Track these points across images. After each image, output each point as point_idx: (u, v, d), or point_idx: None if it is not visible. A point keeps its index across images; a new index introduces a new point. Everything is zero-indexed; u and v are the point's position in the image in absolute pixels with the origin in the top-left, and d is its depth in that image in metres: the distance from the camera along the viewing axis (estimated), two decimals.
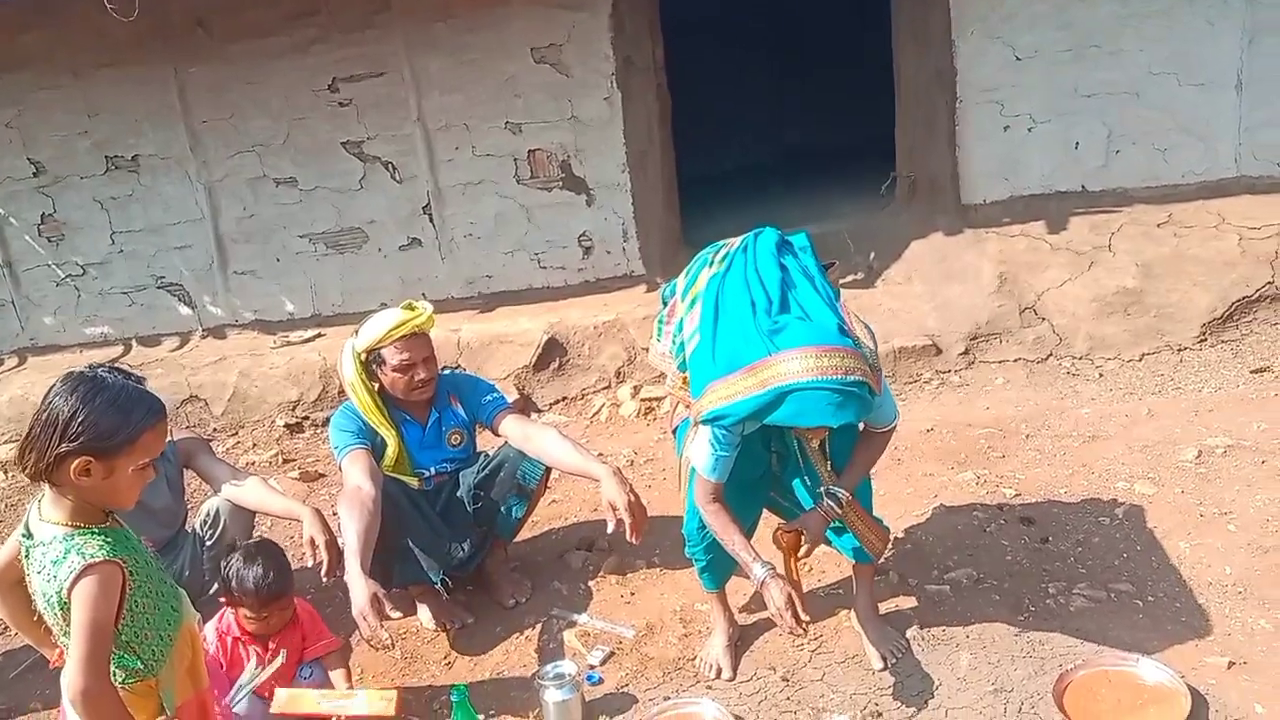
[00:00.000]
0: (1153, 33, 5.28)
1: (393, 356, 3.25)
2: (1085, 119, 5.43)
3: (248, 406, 5.43)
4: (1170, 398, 4.46)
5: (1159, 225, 5.29)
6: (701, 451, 2.68)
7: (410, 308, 3.31)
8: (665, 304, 3.01)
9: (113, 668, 1.94)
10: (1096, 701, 2.64)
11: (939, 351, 5.04)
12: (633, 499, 2.96)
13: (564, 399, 5.14)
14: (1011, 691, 2.73)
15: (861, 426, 2.80)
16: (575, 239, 5.76)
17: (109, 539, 1.94)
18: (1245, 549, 3.23)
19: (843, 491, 2.78)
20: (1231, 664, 2.71)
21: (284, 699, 2.71)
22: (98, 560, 1.89)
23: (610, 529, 2.97)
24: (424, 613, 3.42)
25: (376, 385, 3.31)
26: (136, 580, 1.96)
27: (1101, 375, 4.78)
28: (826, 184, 6.52)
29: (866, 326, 2.70)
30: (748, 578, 2.72)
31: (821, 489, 2.79)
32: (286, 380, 5.44)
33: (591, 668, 3.09)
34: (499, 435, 3.39)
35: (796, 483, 2.91)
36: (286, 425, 5.33)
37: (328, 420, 5.32)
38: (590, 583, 3.56)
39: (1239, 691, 2.61)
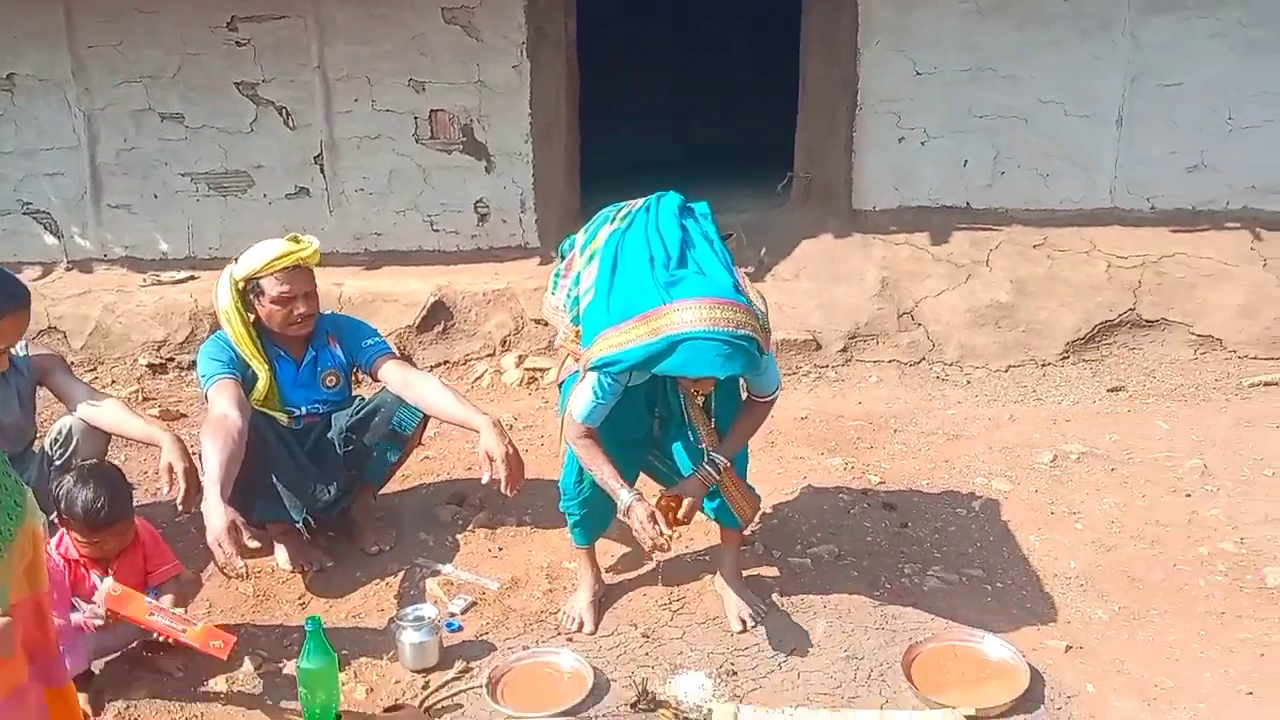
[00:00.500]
0: (1046, 62, 5.54)
1: (272, 288, 3.17)
2: (976, 138, 5.66)
3: (110, 343, 5.21)
4: (1031, 407, 4.69)
5: (1035, 246, 5.55)
6: (582, 398, 2.72)
7: (295, 240, 3.24)
8: (563, 258, 3.02)
9: None
10: (942, 673, 2.76)
11: (819, 347, 5.18)
12: (510, 451, 2.96)
13: (446, 363, 5.10)
14: (863, 659, 2.83)
15: (745, 395, 2.86)
16: (472, 204, 5.71)
17: None
18: (1090, 546, 3.42)
19: (721, 458, 2.85)
20: (1069, 648, 2.86)
21: (116, 592, 2.55)
22: None
23: (485, 479, 2.97)
24: (281, 553, 3.34)
25: (252, 316, 3.22)
26: None
27: (969, 382, 4.99)
28: (727, 179, 6.61)
29: (760, 295, 2.77)
30: (621, 520, 2.77)
31: (704, 456, 2.84)
32: (154, 320, 5.24)
33: (452, 615, 3.08)
34: (378, 380, 3.34)
35: (677, 446, 2.96)
36: (150, 365, 5.12)
37: (193, 363, 5.16)
38: (458, 536, 3.54)
39: (1074, 673, 2.76)
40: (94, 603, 2.63)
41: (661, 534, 2.66)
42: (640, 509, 2.70)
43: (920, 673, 2.75)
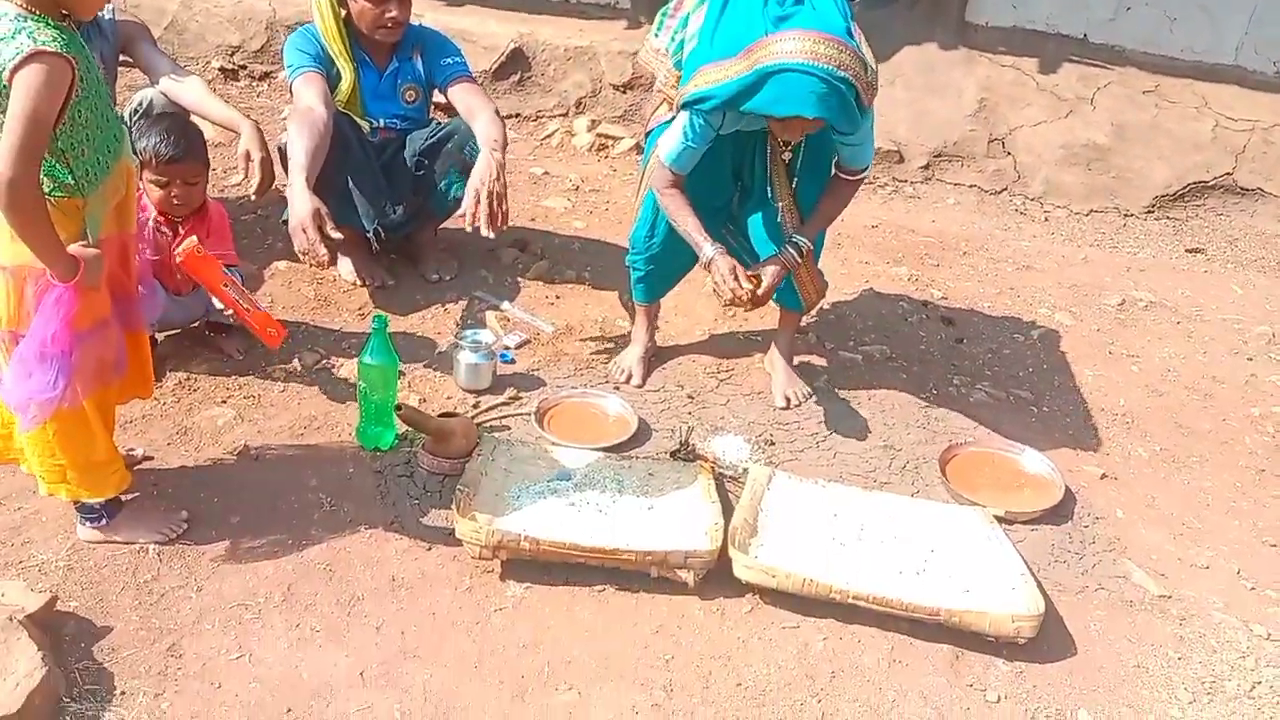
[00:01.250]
0: None
1: None
2: None
3: (184, 40, 5.13)
4: (1107, 252, 4.60)
5: (1144, 92, 5.30)
6: (672, 139, 2.67)
7: None
8: None
9: (43, 175, 1.87)
10: (978, 475, 2.82)
11: (902, 160, 5.05)
12: (497, 188, 2.88)
13: (518, 115, 5.02)
14: (900, 450, 2.90)
15: (833, 170, 2.81)
16: None
17: (64, 35, 1.83)
18: (1142, 389, 3.43)
19: (804, 240, 2.80)
20: (1104, 476, 2.92)
21: (195, 252, 2.52)
22: (49, 50, 1.78)
23: (465, 220, 2.87)
24: (345, 264, 3.39)
25: (344, 12, 3.15)
26: (84, 88, 1.86)
27: (1048, 219, 4.88)
28: None
29: (871, 52, 2.65)
30: (703, 269, 2.75)
31: (784, 237, 2.81)
32: (230, 23, 5.14)
33: (507, 348, 3.16)
34: (447, 98, 3.29)
35: (756, 221, 2.92)
36: (222, 69, 5.07)
37: (265, 75, 5.10)
38: (517, 279, 3.59)
39: (1106, 498, 2.83)
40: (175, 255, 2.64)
41: (743, 287, 2.63)
42: (723, 261, 2.66)
43: (956, 472, 2.82)
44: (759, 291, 2.72)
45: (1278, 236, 4.96)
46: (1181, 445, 3.13)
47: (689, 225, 2.73)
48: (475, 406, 2.87)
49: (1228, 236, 4.91)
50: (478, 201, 2.86)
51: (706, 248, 2.68)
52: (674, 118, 2.71)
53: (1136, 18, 5.43)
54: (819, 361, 3.33)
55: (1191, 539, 2.71)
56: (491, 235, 2.87)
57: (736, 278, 2.65)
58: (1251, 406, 3.38)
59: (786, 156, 2.78)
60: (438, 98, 3.42)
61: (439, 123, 3.41)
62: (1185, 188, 5.04)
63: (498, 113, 3.18)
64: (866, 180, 2.85)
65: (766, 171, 2.86)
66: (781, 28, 2.38)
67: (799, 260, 2.80)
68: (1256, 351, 3.77)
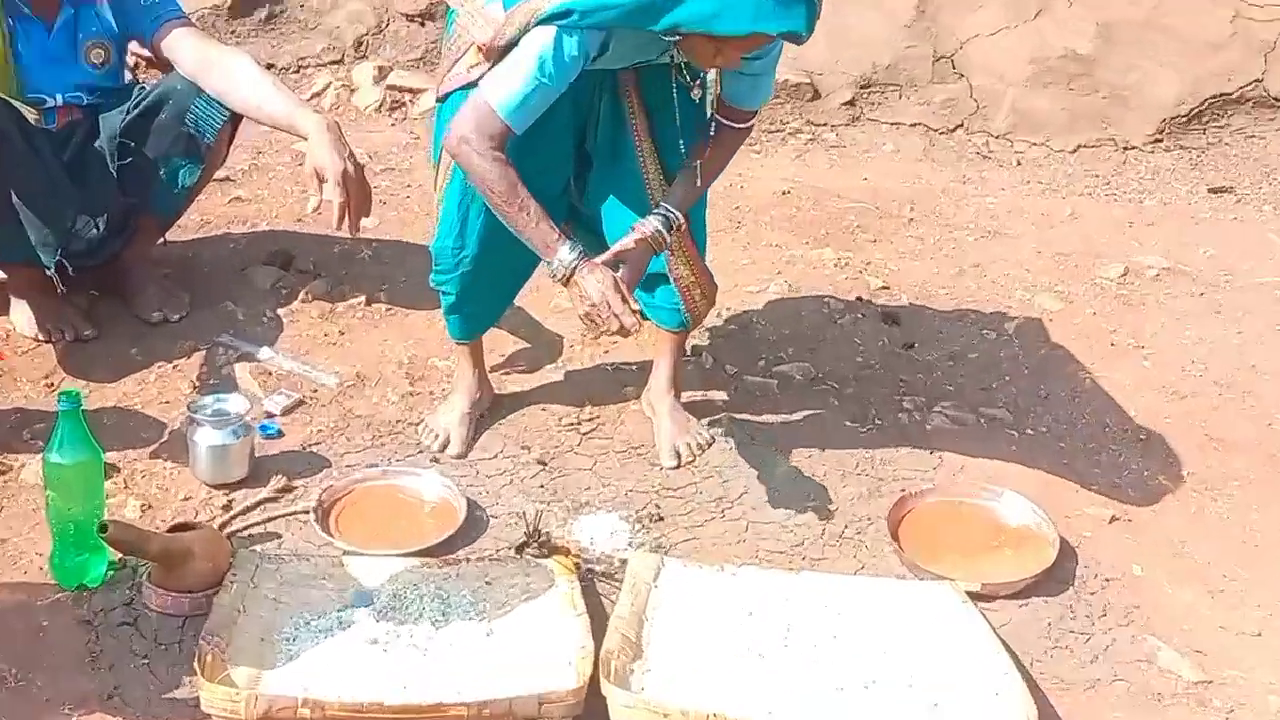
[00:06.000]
0: None
1: None
2: None
3: None
4: (1102, 202, 4.79)
5: None
6: (515, 73, 2.55)
7: None
8: None
9: None
10: (940, 536, 2.89)
11: (816, 95, 5.16)
12: (353, 168, 2.93)
13: (271, 66, 4.95)
14: (835, 511, 2.96)
15: (713, 107, 2.85)
16: None
17: None
18: (1159, 391, 3.56)
19: (676, 212, 2.81)
20: (1114, 518, 3.02)
21: None
22: None
23: (311, 207, 2.98)
24: (21, 313, 3.35)
25: None
26: None
27: (1020, 162, 5.05)
28: None
29: None
30: (554, 279, 2.67)
31: (659, 208, 2.82)
32: None
33: (269, 416, 3.14)
34: (163, 57, 3.28)
35: (613, 204, 2.95)
36: None
37: None
38: (282, 310, 3.58)
39: (1118, 549, 2.92)
40: None
41: (628, 309, 2.56)
42: (592, 276, 2.57)
43: (911, 534, 2.88)
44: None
45: None
46: (1215, 465, 3.26)
47: (530, 216, 2.59)
48: (225, 509, 2.83)
49: (1262, 166, 5.14)
50: (338, 184, 2.87)
51: (563, 252, 2.59)
52: (487, 71, 2.68)
53: None
54: (718, 394, 3.37)
55: (1235, 597, 2.83)
56: (352, 235, 2.95)
57: (618, 290, 2.57)
58: None
59: (640, 123, 2.83)
60: (140, 54, 3.43)
61: (143, 86, 3.38)
62: (1202, 105, 5.27)
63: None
64: (756, 125, 2.92)
65: (625, 131, 2.89)
66: None
67: (667, 239, 2.80)
68: None
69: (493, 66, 2.65)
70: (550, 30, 2.53)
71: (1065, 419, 3.41)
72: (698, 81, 2.82)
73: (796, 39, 2.48)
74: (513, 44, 2.60)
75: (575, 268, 2.59)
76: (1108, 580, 2.83)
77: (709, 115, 2.88)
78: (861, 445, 3.20)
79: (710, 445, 3.13)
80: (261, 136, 4.38)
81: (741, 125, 2.86)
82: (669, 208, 2.82)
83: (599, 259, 2.69)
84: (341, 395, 3.25)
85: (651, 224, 2.79)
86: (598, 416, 3.24)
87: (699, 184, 2.89)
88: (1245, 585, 2.86)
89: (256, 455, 2.96)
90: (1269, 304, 4.07)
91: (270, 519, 2.82)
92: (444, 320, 3.16)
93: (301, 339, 3.46)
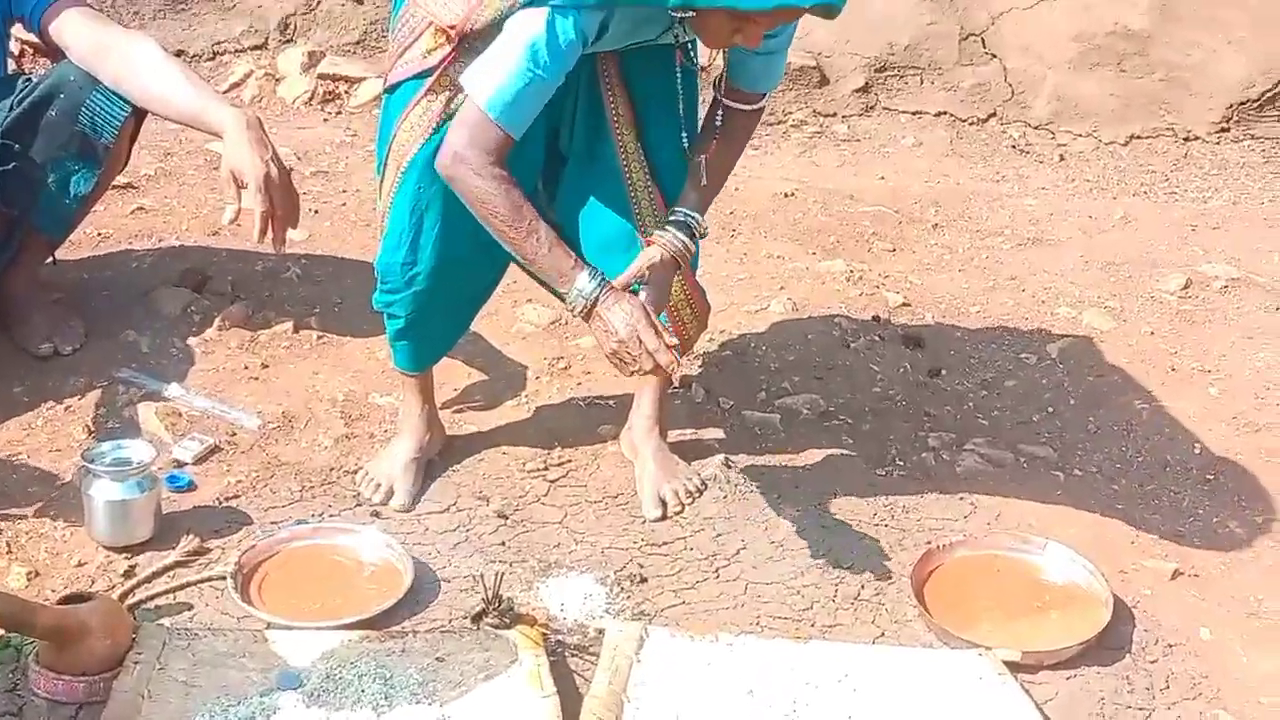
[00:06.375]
0: None
1: None
2: None
3: None
4: (1160, 203, 4.82)
5: None
6: (504, 65, 2.57)
7: None
8: None
9: None
10: (974, 596, 2.90)
11: (825, 81, 5.20)
12: (276, 171, 2.95)
13: (182, 53, 5.01)
14: (850, 568, 2.96)
15: (717, 89, 2.87)
16: None
17: None
18: (1229, 422, 3.58)
19: (697, 215, 2.84)
20: (1178, 573, 3.03)
21: None
22: None
23: (228, 218, 2.98)
24: None
25: None
26: None
27: (1064, 157, 5.09)
28: None
29: None
30: (563, 302, 2.70)
31: (674, 214, 2.84)
32: None
33: (179, 465, 3.13)
34: (51, 44, 3.29)
35: (593, 208, 2.97)
36: None
37: None
38: (193, 340, 3.57)
39: (1183, 609, 2.93)
40: None
41: (663, 344, 2.57)
42: (621, 303, 2.59)
43: (940, 593, 2.89)
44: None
45: None
46: None
47: (539, 243, 2.62)
48: (126, 576, 2.82)
49: None
50: (260, 190, 2.90)
51: (582, 280, 2.61)
52: (459, 62, 2.71)
53: None
54: (712, 433, 3.38)
55: None
56: (278, 251, 2.96)
57: (652, 323, 2.59)
58: None
59: (622, 113, 2.85)
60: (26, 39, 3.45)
61: (29, 78, 3.39)
62: (1276, 87, 5.31)
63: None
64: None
65: (604, 126, 2.91)
66: None
67: (690, 247, 2.84)
68: None
69: (465, 54, 2.68)
70: (540, 13, 2.53)
71: (1119, 457, 3.43)
72: (704, 68, 2.85)
73: (829, 12, 2.50)
74: (490, 29, 2.61)
75: (597, 298, 2.60)
76: (1171, 646, 2.83)
77: (716, 99, 2.89)
78: (880, 491, 3.21)
79: (702, 493, 3.14)
80: (170, 135, 4.41)
81: (753, 107, 2.89)
82: (687, 211, 2.84)
83: (617, 280, 2.71)
84: (265, 439, 3.24)
85: (671, 234, 2.81)
86: (569, 460, 3.24)
87: (712, 181, 2.90)
88: None
89: (164, 512, 2.94)
90: None
91: (180, 587, 2.80)
92: (388, 348, 3.16)
93: (218, 374, 3.45)
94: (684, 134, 2.89)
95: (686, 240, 2.82)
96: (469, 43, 2.68)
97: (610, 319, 2.59)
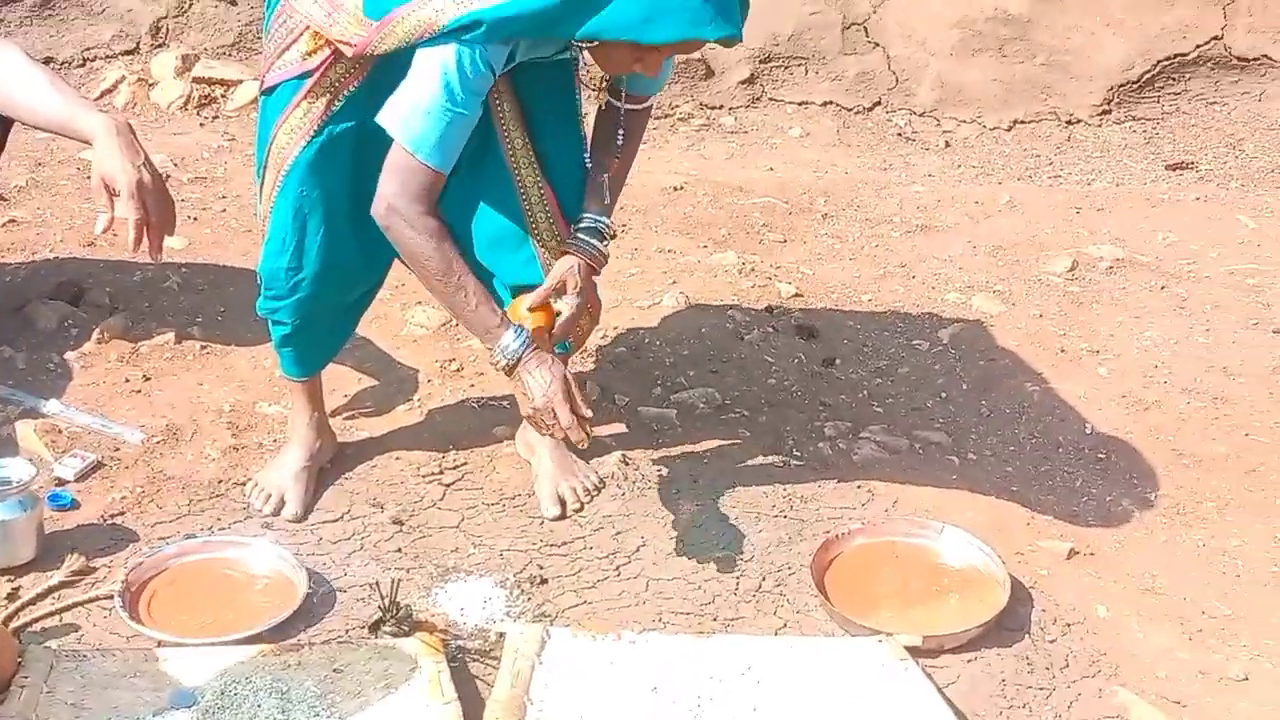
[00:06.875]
0: None
1: None
2: None
3: None
4: (1045, 186, 4.90)
5: None
6: (422, 105, 2.58)
7: None
8: None
9: None
10: (874, 582, 2.92)
11: (710, 74, 5.22)
12: (149, 178, 2.91)
13: (50, 60, 4.95)
14: (750, 561, 2.98)
15: (601, 96, 2.89)
16: None
17: None
18: (1119, 402, 3.65)
19: (607, 220, 2.88)
20: (1074, 552, 3.08)
21: None
22: None
23: (100, 227, 2.94)
24: None
25: None
26: None
27: (949, 143, 5.16)
28: None
29: None
30: (483, 340, 2.73)
31: (584, 217, 2.87)
32: None
33: (61, 483, 3.09)
34: None
35: (487, 219, 2.95)
36: None
37: None
38: (72, 354, 3.52)
39: (1079, 588, 2.97)
40: None
41: (575, 421, 2.63)
42: (542, 370, 2.65)
43: (840, 582, 2.91)
44: (556, 329, 2.81)
45: None
46: (1187, 485, 3.33)
47: (467, 299, 2.67)
48: (9, 598, 2.77)
49: (1227, 138, 5.31)
50: (132, 198, 2.84)
51: (506, 339, 2.67)
52: (327, 61, 2.70)
53: None
54: (610, 429, 3.38)
55: (1216, 637, 2.87)
56: (159, 258, 2.93)
57: (570, 402, 2.64)
58: None
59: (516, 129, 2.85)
60: None
61: None
62: (1155, 68, 5.41)
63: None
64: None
65: (491, 132, 2.89)
66: None
67: (604, 255, 2.88)
68: None
69: (343, 57, 2.69)
70: (449, 50, 2.54)
71: (1012, 439, 3.47)
72: (603, 84, 2.86)
73: (730, 42, 2.57)
74: (391, 54, 2.60)
75: (520, 359, 2.66)
76: (1069, 625, 2.86)
77: (610, 106, 2.92)
78: (778, 481, 3.22)
79: (600, 490, 3.14)
80: (41, 145, 4.35)
81: (646, 105, 2.94)
82: (595, 217, 2.87)
83: (533, 296, 2.78)
84: (149, 453, 3.20)
85: (584, 240, 2.84)
86: (464, 463, 3.23)
87: (616, 179, 2.95)
88: (1227, 623, 2.91)
89: (47, 531, 2.90)
90: (1240, 296, 4.19)
91: (67, 608, 2.76)
92: (274, 356, 3.14)
93: (98, 388, 3.40)
94: (585, 152, 2.94)
95: (600, 245, 2.86)
96: (368, 64, 2.70)
97: (529, 384, 2.66)
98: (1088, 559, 3.07)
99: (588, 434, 2.68)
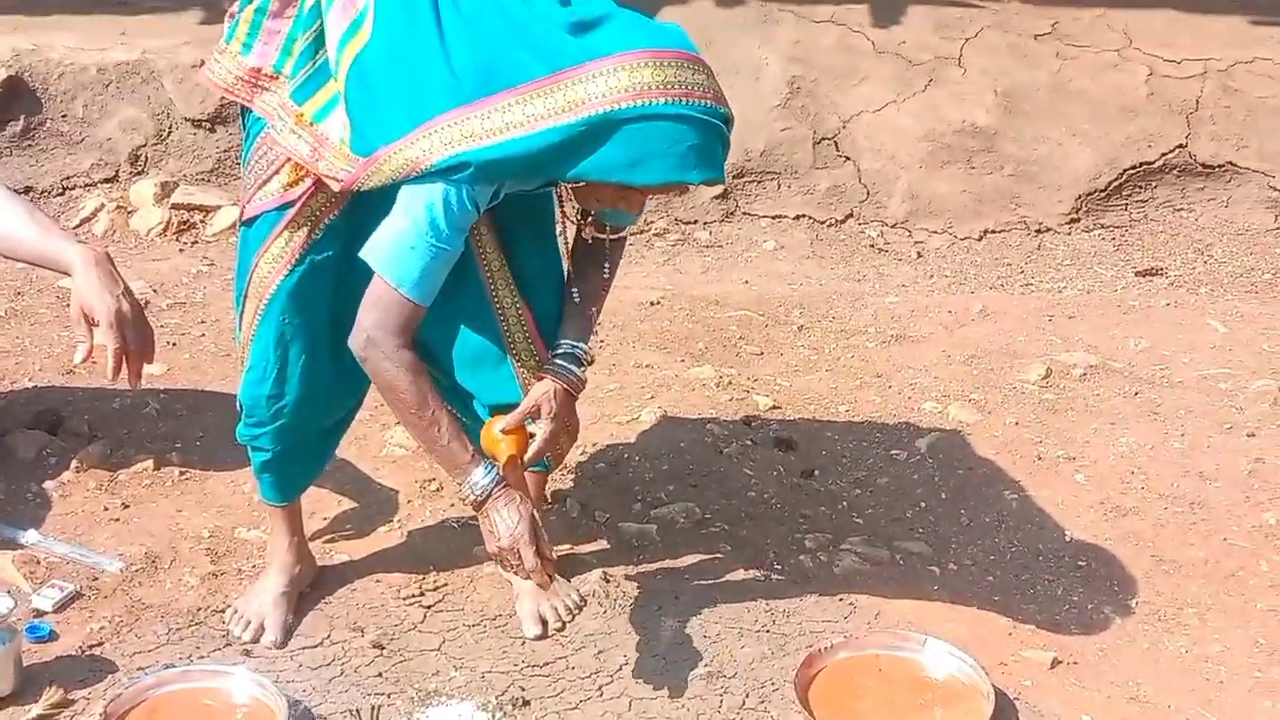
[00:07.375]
0: None
1: None
2: None
3: None
4: (1017, 295, 4.94)
5: (1037, 37, 5.78)
6: (405, 244, 2.60)
7: None
8: None
9: None
10: (857, 697, 2.92)
11: (684, 189, 5.25)
12: (128, 307, 2.91)
13: (30, 190, 4.99)
14: (733, 677, 2.96)
15: (580, 228, 2.92)
16: None
17: None
18: (1096, 509, 3.66)
19: (585, 346, 2.90)
20: (1057, 661, 3.07)
21: None
22: None
23: (79, 356, 2.92)
24: None
25: None
26: None
27: (921, 255, 5.20)
28: None
29: None
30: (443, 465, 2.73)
31: (563, 343, 2.89)
32: None
33: (39, 615, 3.07)
34: None
35: (465, 344, 2.99)
36: None
37: None
38: (50, 483, 3.52)
39: (1063, 698, 2.97)
40: None
41: (539, 564, 2.64)
42: (510, 509, 2.67)
43: (824, 697, 2.90)
44: (529, 455, 2.83)
45: (1270, 232, 5.44)
46: (1167, 592, 3.34)
47: (439, 434, 2.68)
48: None
49: (1195, 243, 5.37)
50: (111, 327, 2.83)
51: (476, 475, 2.68)
52: (308, 192, 2.74)
53: None
54: (589, 547, 3.38)
55: None
56: (138, 385, 2.94)
57: (536, 544, 2.65)
58: (1263, 511, 3.66)
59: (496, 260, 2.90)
60: None
61: None
62: (1121, 176, 5.48)
63: None
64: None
65: (469, 258, 2.91)
66: (597, 45, 2.49)
67: (583, 380, 2.91)
68: (1258, 421, 4.10)
69: (324, 189, 2.72)
70: (435, 187, 2.57)
71: (992, 548, 3.48)
72: (590, 220, 2.89)
73: (714, 183, 2.61)
74: (377, 190, 2.63)
75: (489, 496, 2.68)
76: None
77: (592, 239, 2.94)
78: (760, 595, 3.22)
79: (581, 609, 3.13)
80: (19, 274, 4.36)
81: (621, 235, 2.96)
82: (573, 343, 2.89)
83: (508, 419, 2.80)
84: (128, 582, 3.18)
85: (561, 366, 2.86)
86: (444, 584, 3.22)
87: (592, 308, 2.97)
88: None
89: (25, 664, 2.87)
90: (1213, 401, 4.22)
91: None
92: (253, 481, 3.14)
93: (76, 517, 3.39)
94: (563, 272, 2.98)
95: (578, 371, 2.88)
96: (351, 198, 2.74)
97: (497, 523, 2.67)
98: (1071, 668, 3.06)
99: (550, 576, 2.70)
